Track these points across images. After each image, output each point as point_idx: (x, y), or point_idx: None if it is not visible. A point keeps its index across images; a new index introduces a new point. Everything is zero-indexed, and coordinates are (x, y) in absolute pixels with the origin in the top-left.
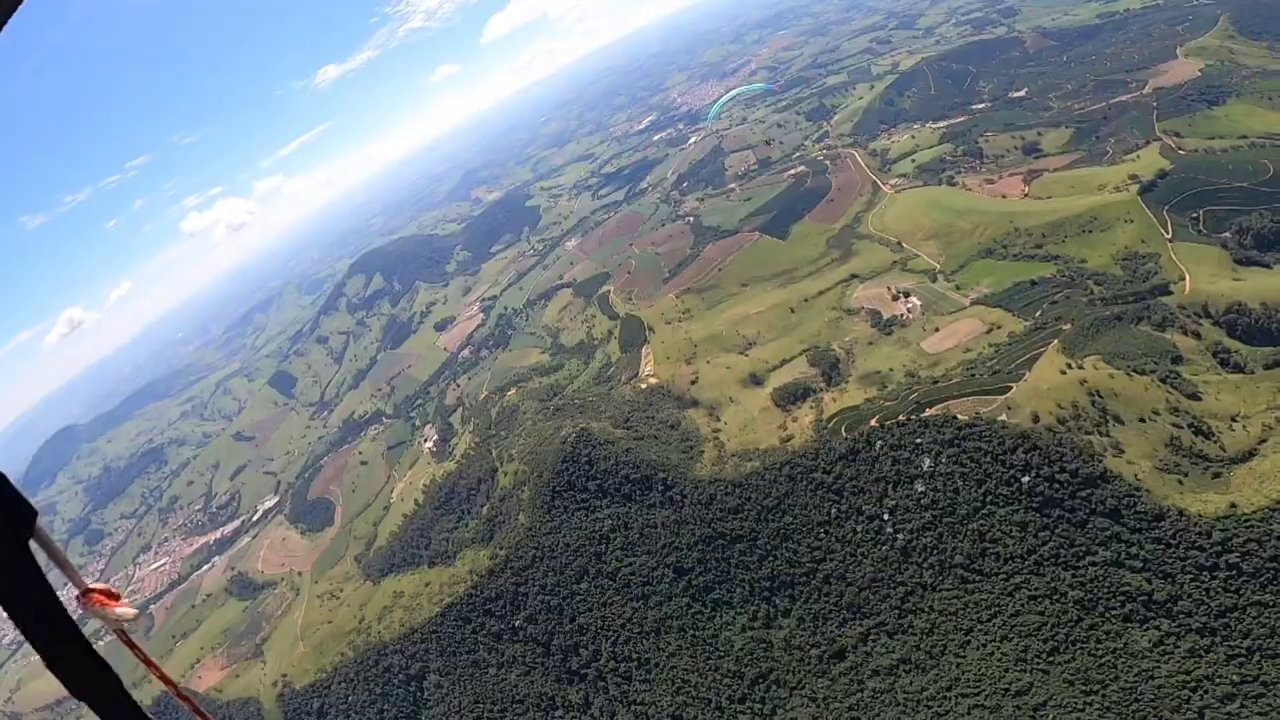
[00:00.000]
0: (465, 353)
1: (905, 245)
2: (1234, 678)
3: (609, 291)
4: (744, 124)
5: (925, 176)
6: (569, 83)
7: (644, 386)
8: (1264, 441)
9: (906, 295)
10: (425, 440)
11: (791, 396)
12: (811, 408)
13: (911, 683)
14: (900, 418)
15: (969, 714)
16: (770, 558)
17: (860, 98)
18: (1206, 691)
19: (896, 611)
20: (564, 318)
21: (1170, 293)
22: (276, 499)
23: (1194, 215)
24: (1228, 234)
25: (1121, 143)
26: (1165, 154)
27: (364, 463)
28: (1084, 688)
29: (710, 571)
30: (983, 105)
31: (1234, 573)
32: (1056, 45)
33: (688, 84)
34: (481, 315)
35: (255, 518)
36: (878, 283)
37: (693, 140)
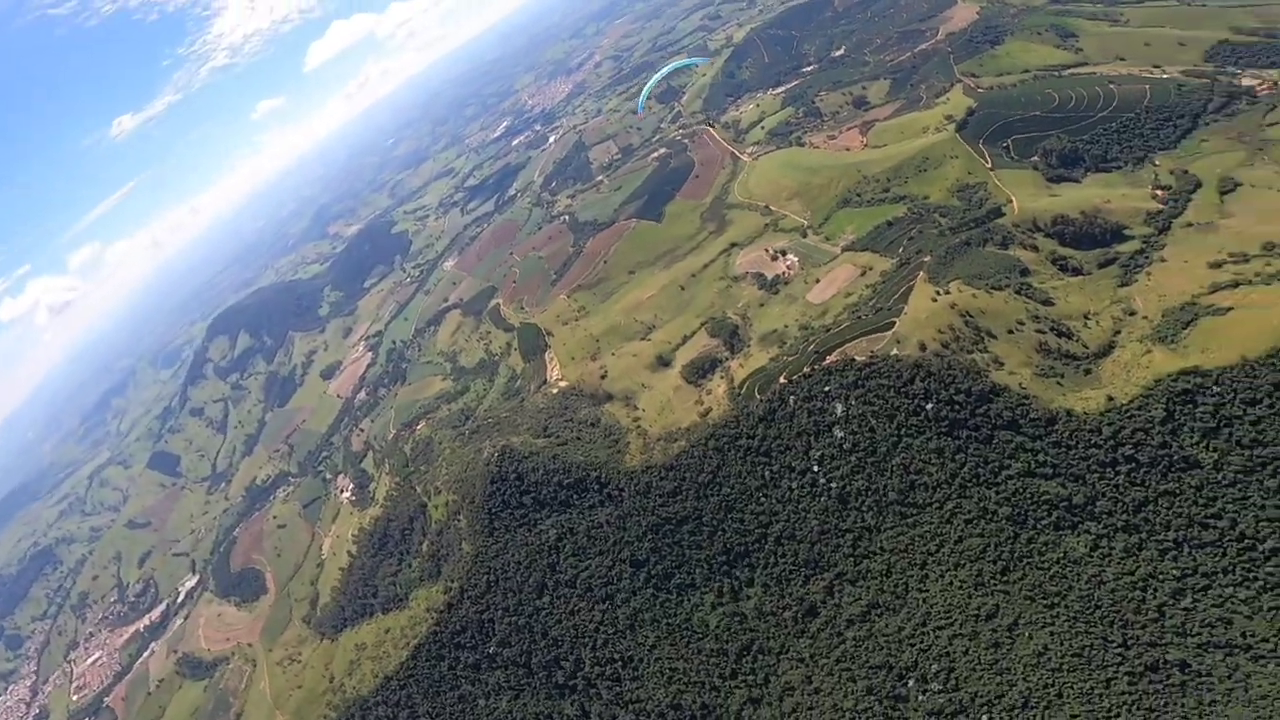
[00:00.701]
0: (361, 395)
1: (772, 208)
2: (1174, 572)
3: (499, 304)
4: (599, 115)
5: (777, 141)
6: (411, 99)
7: (555, 391)
8: (1118, 333)
9: (784, 254)
10: (341, 491)
11: (700, 371)
12: (722, 378)
13: (887, 625)
14: (805, 370)
15: (951, 644)
16: (719, 532)
17: (703, 74)
18: (1156, 589)
19: (851, 559)
20: (458, 340)
21: (1003, 214)
22: (197, 577)
23: (1004, 145)
24: (1036, 158)
25: (931, 88)
26: (968, 94)
27: (281, 526)
28: (1045, 601)
29: (666, 558)
30: (811, 67)
31: (1134, 465)
32: (860, 2)
33: (536, 84)
34: (370, 354)
35: (180, 599)
36: (755, 247)
37: (553, 139)
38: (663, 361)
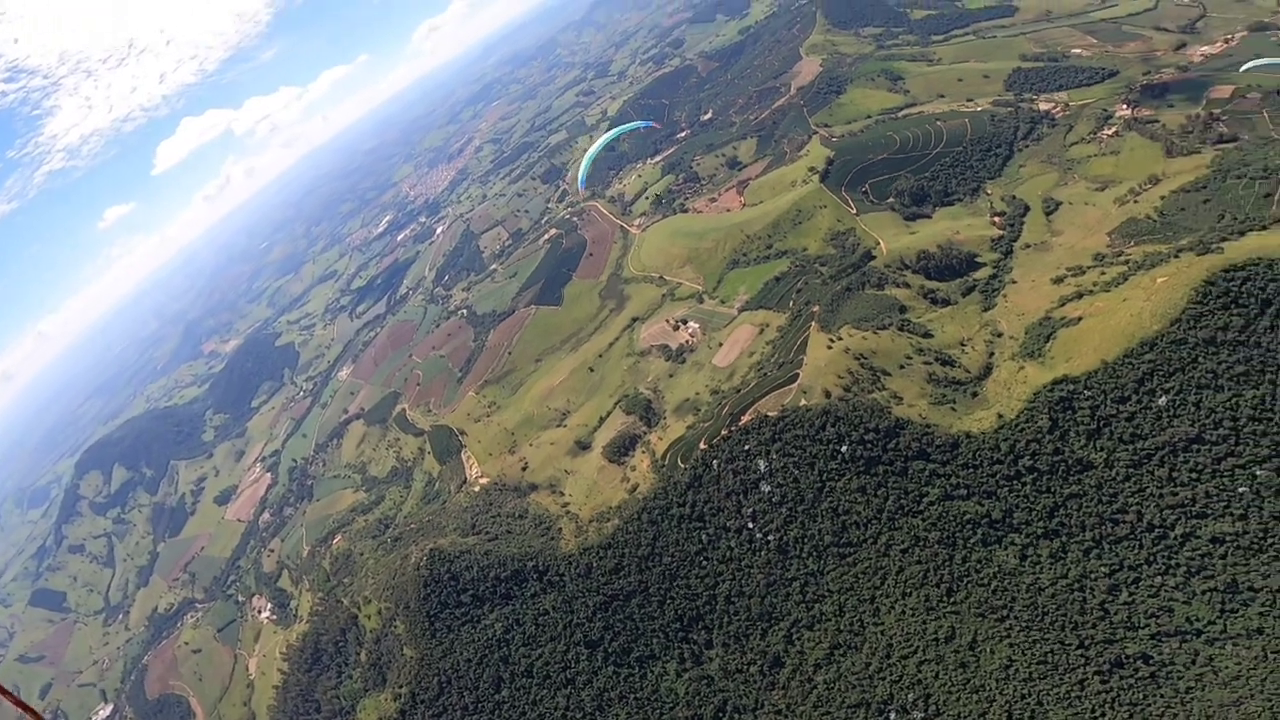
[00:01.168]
0: (265, 517)
1: (667, 277)
2: (1103, 570)
3: (404, 410)
4: (485, 202)
5: (662, 210)
6: (282, 198)
7: (477, 489)
8: (992, 355)
9: (685, 322)
10: (259, 611)
11: (621, 449)
12: (643, 452)
13: (853, 663)
14: (723, 433)
15: (920, 670)
16: (668, 600)
17: (584, 150)
18: (1091, 588)
19: (802, 605)
20: (365, 450)
21: (874, 257)
22: (110, 706)
23: (864, 189)
24: (891, 199)
25: (792, 141)
26: (825, 144)
27: (196, 650)
28: (994, 616)
29: (620, 634)
30: (684, 133)
31: (1036, 474)
32: (720, 66)
33: (416, 174)
34: (269, 475)
35: None
36: (657, 319)
37: (440, 230)
38: (582, 445)
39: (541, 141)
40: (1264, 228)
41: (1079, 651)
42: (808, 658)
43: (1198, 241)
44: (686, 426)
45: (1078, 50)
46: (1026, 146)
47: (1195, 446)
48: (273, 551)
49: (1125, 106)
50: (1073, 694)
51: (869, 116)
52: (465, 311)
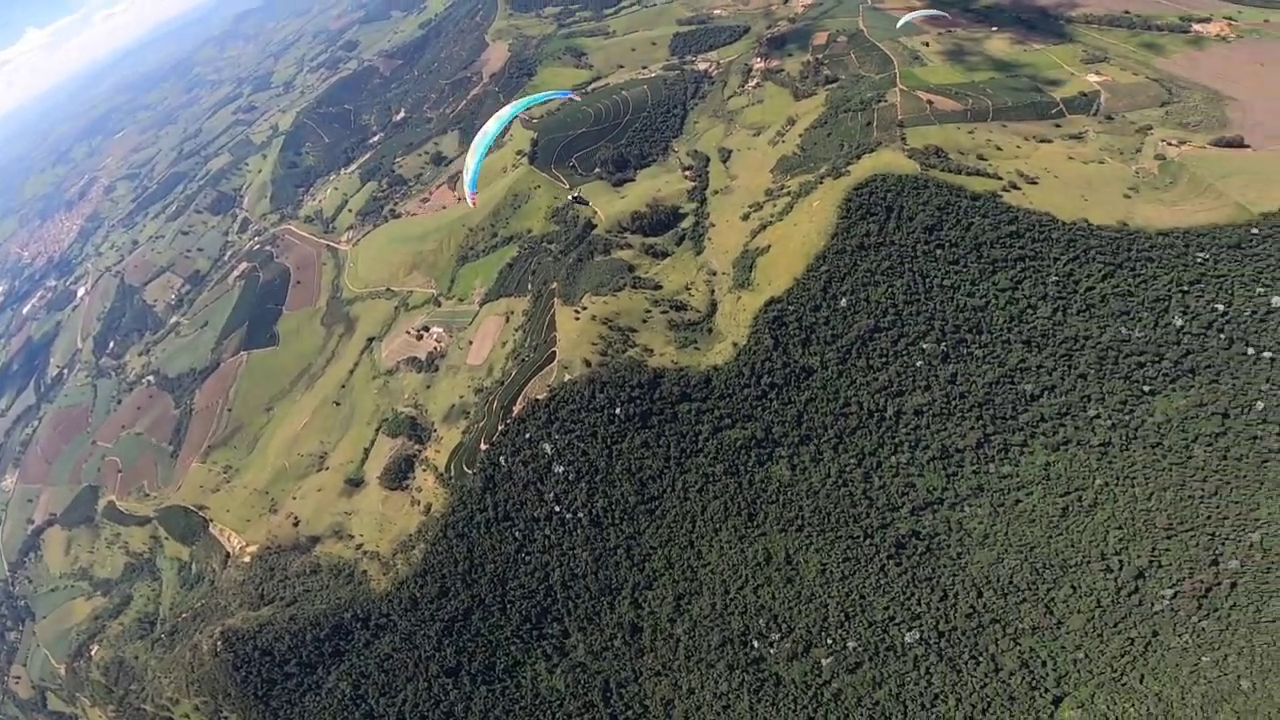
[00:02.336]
0: None
1: (394, 288)
2: (853, 461)
3: (111, 502)
4: (138, 248)
5: (371, 220)
6: None
7: (247, 560)
8: (713, 292)
9: (427, 329)
10: None
11: (399, 474)
12: (425, 470)
13: (701, 607)
14: (500, 428)
15: (758, 595)
16: (509, 605)
17: (259, 171)
18: (851, 483)
19: (634, 568)
20: (79, 555)
21: (595, 226)
22: None
23: (571, 164)
24: (597, 169)
25: None
26: (526, 126)
27: None
28: (794, 528)
29: (476, 653)
30: (378, 137)
31: (777, 389)
32: (404, 63)
33: (26, 230)
34: None
35: None
36: (395, 333)
37: (83, 292)
38: (354, 482)
39: (198, 170)
40: (871, 150)
41: (867, 542)
42: (660, 615)
43: (831, 169)
44: (461, 432)
45: (719, 11)
46: (696, 105)
47: (876, 335)
48: (19, 678)
49: (759, 60)
50: (881, 581)
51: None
52: (152, 378)
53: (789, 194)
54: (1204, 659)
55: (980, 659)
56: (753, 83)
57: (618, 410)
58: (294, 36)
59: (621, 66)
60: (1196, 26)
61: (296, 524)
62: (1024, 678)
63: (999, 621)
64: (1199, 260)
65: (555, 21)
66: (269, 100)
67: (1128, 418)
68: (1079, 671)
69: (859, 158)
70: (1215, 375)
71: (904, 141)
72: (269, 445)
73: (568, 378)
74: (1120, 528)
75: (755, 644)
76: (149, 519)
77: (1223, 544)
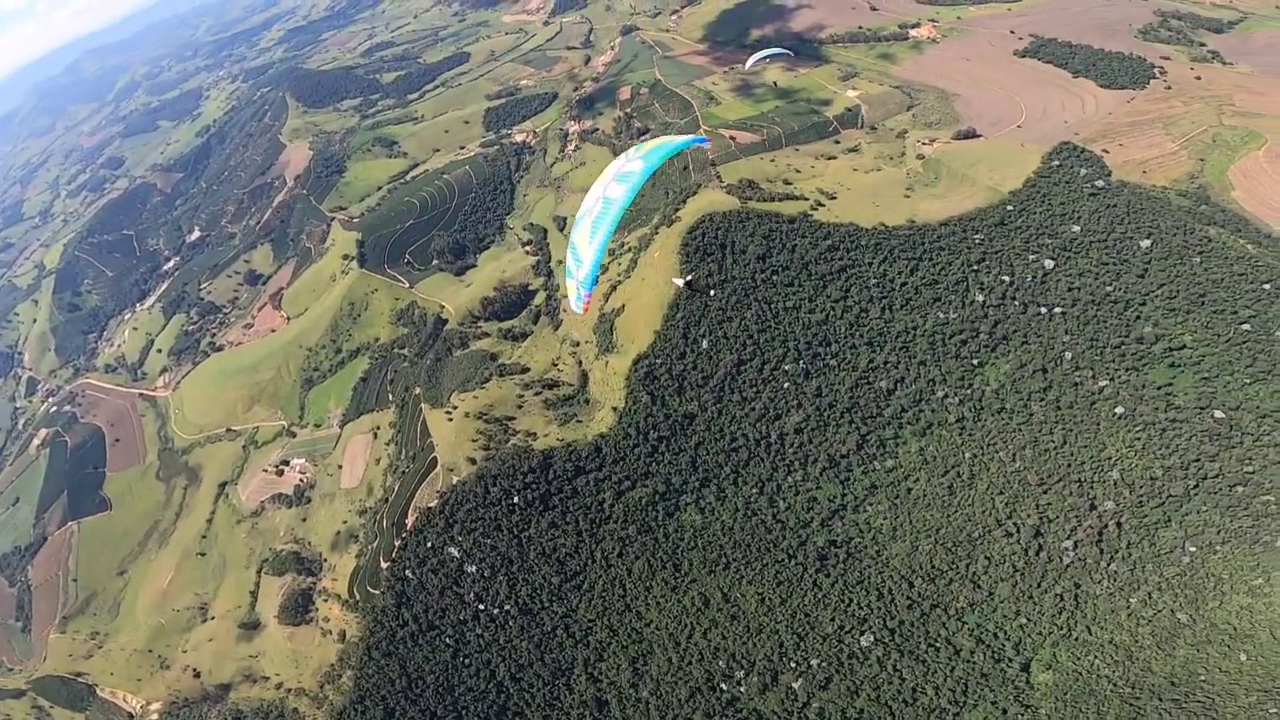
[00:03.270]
0: None
1: (235, 427)
2: (754, 490)
3: None
4: None
5: (188, 357)
6: None
7: (155, 718)
8: (580, 363)
9: (286, 463)
10: None
11: (298, 609)
12: (326, 600)
13: (658, 665)
14: (398, 544)
15: (709, 640)
16: (462, 713)
17: (33, 321)
18: (757, 507)
19: (580, 645)
20: None
21: (446, 320)
22: None
23: (406, 260)
24: (435, 260)
25: (313, 235)
26: (348, 227)
27: None
28: (720, 567)
29: None
30: (173, 262)
31: (664, 440)
32: (186, 176)
33: None
34: None
35: None
36: (250, 474)
37: None
38: (249, 626)
39: None
40: (694, 193)
41: (793, 562)
42: (620, 683)
43: (663, 217)
44: (356, 556)
45: (525, 81)
46: (522, 177)
47: (741, 368)
48: None
49: (573, 122)
50: (818, 595)
51: (380, 188)
52: None
53: (630, 250)
54: (1132, 600)
55: (938, 645)
56: (572, 146)
57: (515, 499)
58: (39, 158)
59: (438, 150)
60: (912, 32)
61: (198, 675)
62: (984, 653)
63: (938, 606)
64: (977, 241)
65: (357, 114)
66: (25, 234)
67: (969, 391)
68: (1029, 636)
69: (685, 202)
70: (1024, 338)
71: (720, 179)
72: (135, 606)
73: (456, 480)
74: (1001, 492)
75: (723, 686)
76: (23, 691)
77: (1091, 488)
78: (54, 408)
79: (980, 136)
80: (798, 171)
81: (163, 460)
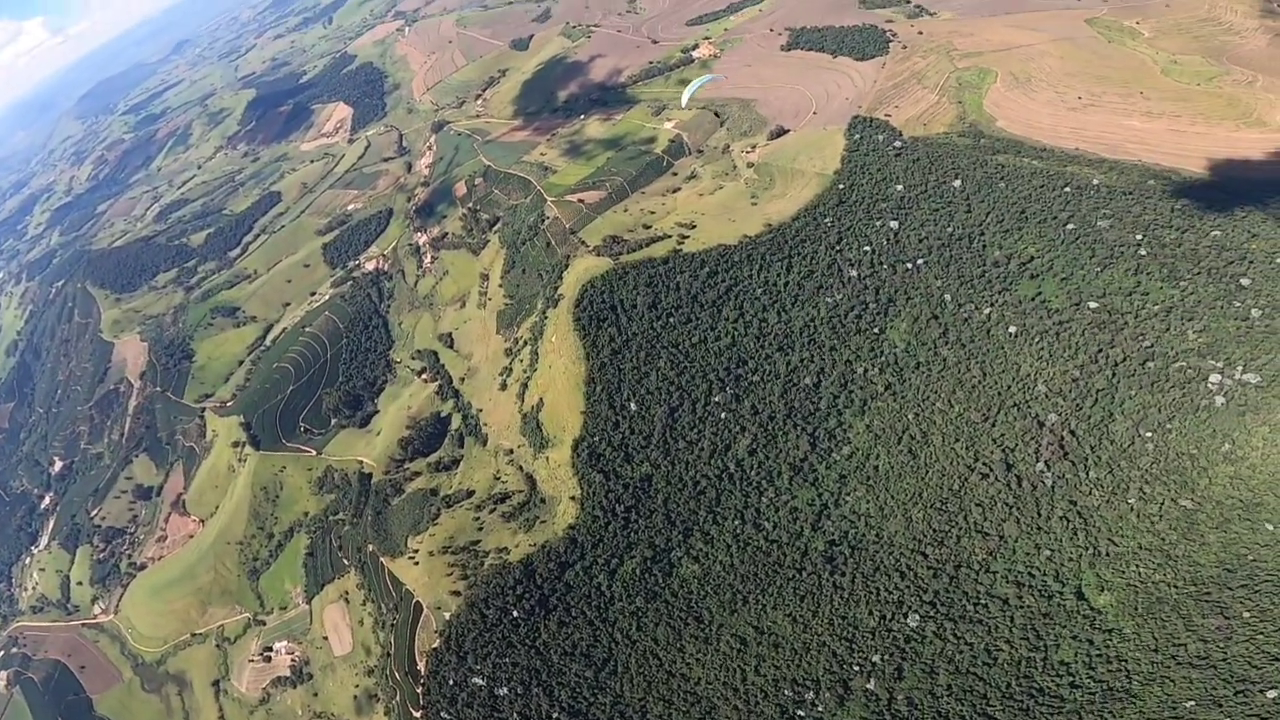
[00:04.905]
0: None
1: (199, 631)
2: (738, 524)
3: None
4: None
5: (114, 581)
6: None
7: None
8: (522, 468)
9: (270, 649)
10: None
11: None
12: None
13: (764, 713)
14: (419, 690)
15: (760, 676)
16: None
17: None
18: (751, 540)
19: None
20: None
21: (370, 474)
22: None
23: (301, 429)
24: (334, 420)
25: (190, 433)
26: (224, 414)
27: None
28: (739, 604)
29: None
30: (47, 499)
31: (631, 510)
32: (17, 403)
33: None
34: None
35: None
36: (239, 668)
37: None
38: None
39: None
40: (566, 266)
41: (805, 574)
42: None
43: (545, 300)
44: (385, 713)
45: (353, 206)
46: (390, 305)
47: (676, 414)
48: None
49: (420, 234)
50: (845, 595)
51: (240, 362)
52: None
53: (526, 342)
54: (1130, 501)
55: (984, 601)
56: (428, 259)
57: (514, 613)
58: None
59: (288, 304)
60: (695, 54)
61: None
62: (1031, 595)
63: (961, 565)
64: (829, 224)
65: (179, 288)
66: None
67: (883, 358)
68: (1061, 565)
69: (561, 278)
70: (905, 294)
71: (585, 244)
72: None
73: (448, 616)
74: (957, 439)
75: (800, 714)
76: None
77: (1029, 407)
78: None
79: (790, 131)
80: (652, 213)
81: (141, 675)
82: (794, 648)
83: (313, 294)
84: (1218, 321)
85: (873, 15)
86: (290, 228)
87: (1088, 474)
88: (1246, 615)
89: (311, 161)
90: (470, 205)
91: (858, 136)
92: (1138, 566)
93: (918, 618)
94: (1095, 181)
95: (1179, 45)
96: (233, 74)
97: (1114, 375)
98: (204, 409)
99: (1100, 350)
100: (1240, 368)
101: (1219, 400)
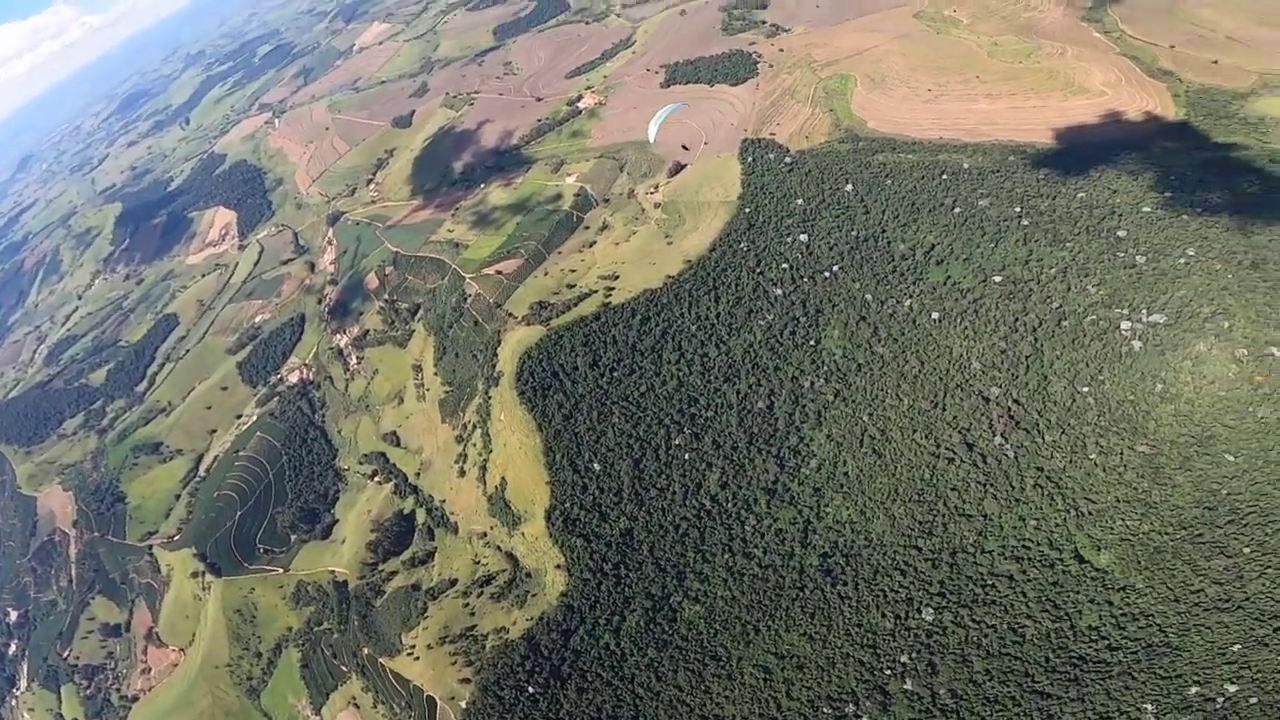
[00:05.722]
0: None
1: None
2: (723, 563)
3: None
4: None
5: (109, 714)
6: None
7: None
8: (499, 547)
9: None
10: None
11: None
12: None
13: None
14: None
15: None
16: None
17: None
18: (744, 569)
19: None
20: None
21: (345, 582)
22: None
23: (261, 548)
24: (293, 536)
25: (142, 570)
26: (173, 548)
27: None
28: (752, 634)
29: None
30: (13, 646)
31: (620, 565)
32: None
33: None
34: None
35: None
36: None
37: None
38: None
39: None
40: (498, 342)
41: (808, 591)
42: None
43: (485, 380)
44: None
45: (260, 317)
46: (324, 413)
47: (642, 462)
48: None
49: (340, 335)
50: (853, 605)
51: (177, 496)
52: None
53: (475, 426)
54: (1092, 456)
55: (988, 583)
56: (354, 360)
57: (530, 689)
58: None
59: (214, 431)
60: (580, 105)
61: None
62: (1034, 567)
63: (956, 551)
64: (744, 249)
65: (90, 431)
66: None
67: (825, 367)
68: (1051, 532)
69: (495, 354)
70: (831, 303)
71: (513, 316)
72: None
73: (464, 705)
74: (915, 430)
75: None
76: None
77: (970, 384)
78: None
79: (687, 165)
80: (573, 271)
81: None
82: (819, 665)
83: (238, 417)
84: (1111, 273)
85: (736, 40)
86: (196, 351)
87: (1044, 438)
88: (1247, 551)
89: (203, 275)
90: (386, 297)
91: (751, 159)
92: (1123, 520)
93: (932, 611)
94: (965, 165)
95: (994, 28)
96: (90, 188)
97: (1036, 340)
98: (151, 546)
99: (1016, 319)
100: (1145, 311)
101: (1136, 344)
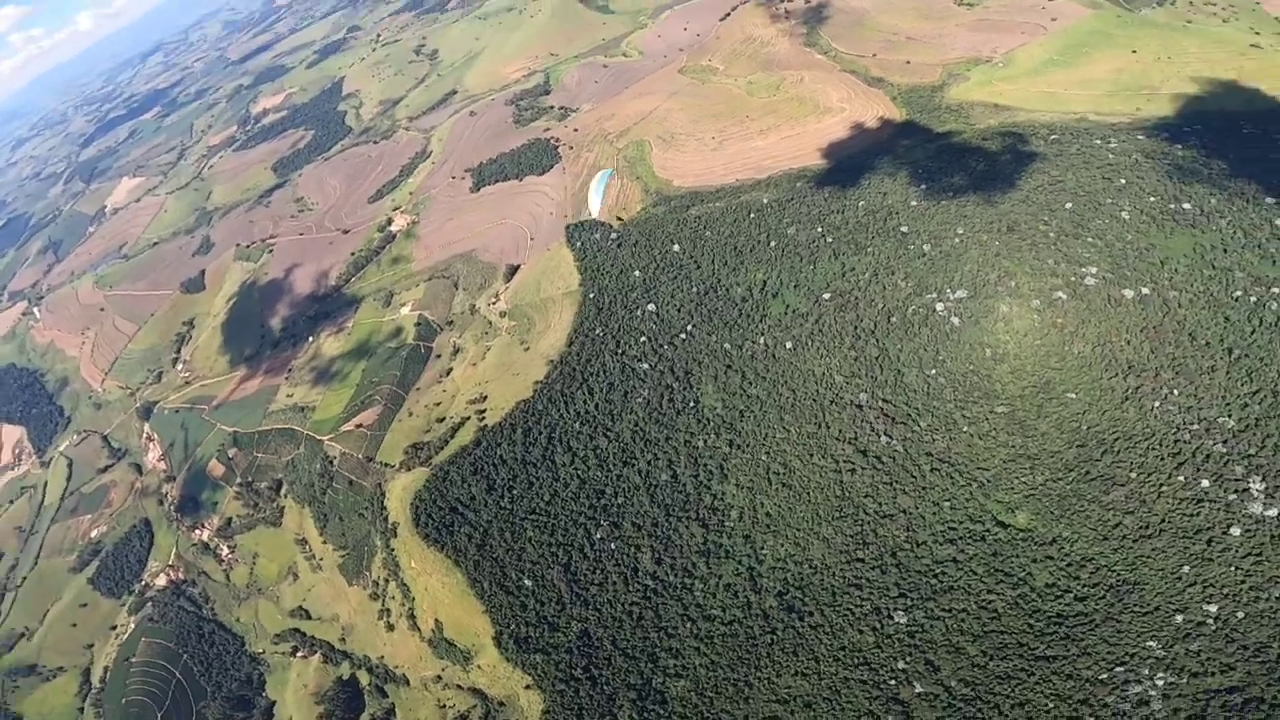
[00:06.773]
0: None
1: None
2: (698, 598)
3: None
4: None
5: None
6: None
7: None
8: (460, 686)
9: None
10: None
11: None
12: None
13: None
14: None
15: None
16: None
17: None
18: (719, 616)
19: None
20: None
21: None
22: None
23: None
24: None
25: None
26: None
27: None
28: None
29: None
30: None
31: (596, 670)
32: None
33: None
34: None
35: None
36: None
37: None
38: None
39: None
40: (384, 495)
41: (780, 634)
42: None
43: (382, 533)
44: None
45: (94, 534)
46: (214, 612)
47: (571, 565)
48: None
49: (199, 530)
50: (830, 630)
51: (79, 708)
52: None
53: (387, 579)
54: (969, 433)
55: (939, 570)
56: (225, 550)
57: None
58: None
59: (90, 644)
60: (392, 228)
61: None
62: (973, 546)
63: (897, 551)
64: (599, 334)
65: None
66: None
67: (711, 424)
68: (967, 511)
69: (384, 508)
70: (696, 361)
71: (389, 466)
72: None
73: None
74: (811, 455)
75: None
76: None
77: (842, 400)
78: None
79: (521, 266)
80: (438, 404)
81: None
82: (825, 697)
83: (113, 628)
84: (909, 265)
85: (531, 130)
86: (34, 578)
87: (920, 425)
88: (1134, 475)
89: (11, 502)
90: (239, 481)
91: (580, 243)
92: (1017, 478)
93: (902, 613)
94: (765, 200)
95: (744, 69)
96: None
97: (878, 341)
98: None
99: (855, 327)
100: (949, 290)
101: (955, 321)
